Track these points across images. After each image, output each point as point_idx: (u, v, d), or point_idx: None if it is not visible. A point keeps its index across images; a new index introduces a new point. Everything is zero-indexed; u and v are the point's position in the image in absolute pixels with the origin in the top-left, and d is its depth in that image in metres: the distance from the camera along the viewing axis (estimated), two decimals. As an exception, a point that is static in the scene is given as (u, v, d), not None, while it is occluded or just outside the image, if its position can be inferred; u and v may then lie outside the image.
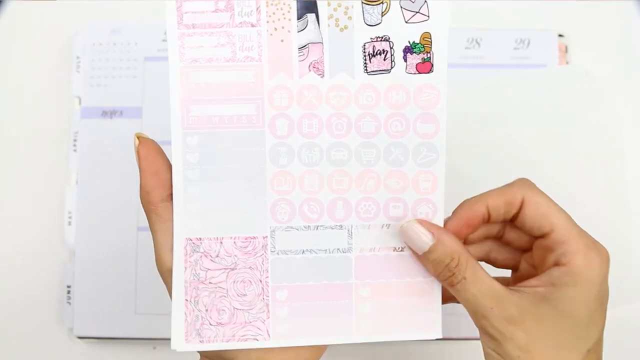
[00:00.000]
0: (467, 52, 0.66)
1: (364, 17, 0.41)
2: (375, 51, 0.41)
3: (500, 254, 0.46)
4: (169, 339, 0.43)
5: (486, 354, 0.41)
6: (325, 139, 0.42)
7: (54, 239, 0.66)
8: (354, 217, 0.42)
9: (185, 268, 0.41)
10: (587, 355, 0.40)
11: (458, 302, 0.42)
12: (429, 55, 0.41)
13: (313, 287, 0.43)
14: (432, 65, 0.41)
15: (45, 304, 0.65)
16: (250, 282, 0.42)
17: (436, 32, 0.41)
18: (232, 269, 0.42)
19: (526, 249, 0.45)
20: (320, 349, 0.44)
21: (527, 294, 0.40)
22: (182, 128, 0.41)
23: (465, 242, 0.45)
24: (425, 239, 0.41)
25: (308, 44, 0.41)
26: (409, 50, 0.41)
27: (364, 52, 0.41)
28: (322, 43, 0.41)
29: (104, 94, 0.66)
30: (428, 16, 0.41)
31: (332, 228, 0.42)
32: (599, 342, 0.41)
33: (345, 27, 0.41)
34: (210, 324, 0.42)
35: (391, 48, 0.41)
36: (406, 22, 0.41)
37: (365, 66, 0.41)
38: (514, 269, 0.46)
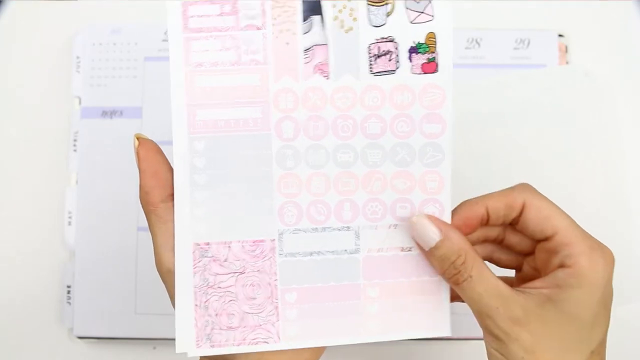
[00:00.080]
0: (467, 52, 0.66)
1: (369, 18, 0.41)
2: (381, 52, 0.41)
3: (503, 255, 0.46)
4: (169, 339, 0.43)
5: (489, 354, 0.41)
6: (331, 140, 0.42)
7: (54, 239, 0.66)
8: (361, 218, 0.43)
9: (194, 273, 0.41)
10: (590, 357, 0.40)
11: (463, 302, 0.42)
12: (434, 55, 0.41)
13: (321, 289, 0.43)
14: (437, 65, 0.41)
15: (45, 304, 0.65)
16: (259, 285, 0.42)
17: (441, 32, 0.41)
18: (241, 273, 0.42)
19: (528, 253, 0.45)
20: (320, 349, 0.44)
21: (532, 295, 0.40)
22: (188, 132, 0.41)
23: None
24: (432, 235, 0.41)
25: (313, 46, 0.41)
26: (414, 50, 0.41)
27: (369, 53, 0.41)
28: (327, 45, 0.41)
29: (104, 94, 0.66)
30: (433, 16, 0.41)
31: (339, 229, 0.43)
32: (602, 344, 0.41)
33: (350, 29, 0.41)
34: (221, 329, 0.42)
35: (396, 49, 0.41)
36: (411, 22, 0.41)
37: (371, 67, 0.41)
38: (517, 269, 0.46)
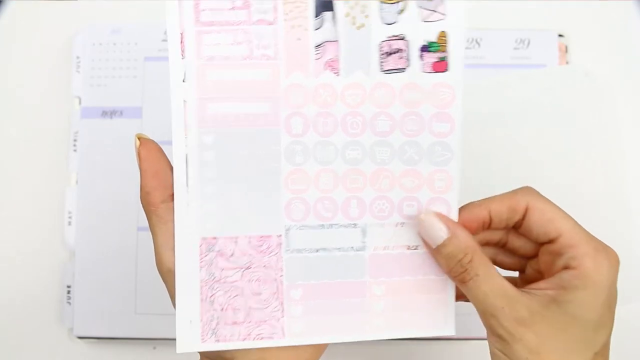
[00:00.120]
0: (467, 52, 0.66)
1: (380, 16, 0.41)
2: (391, 50, 0.41)
3: (506, 258, 0.46)
4: (169, 339, 0.43)
5: (493, 354, 0.41)
6: (340, 137, 0.42)
7: (54, 239, 0.66)
8: (368, 215, 0.43)
9: (201, 267, 0.41)
10: (594, 358, 0.40)
11: (468, 301, 0.42)
12: (445, 54, 0.41)
13: (327, 286, 0.43)
14: (448, 64, 0.41)
15: (45, 304, 0.65)
16: (265, 281, 0.42)
17: (453, 31, 0.41)
18: (247, 268, 0.42)
19: (531, 256, 0.45)
20: (320, 349, 0.44)
21: (537, 296, 0.40)
22: (198, 126, 0.41)
23: None
24: (440, 232, 0.41)
25: (324, 42, 0.41)
26: (425, 49, 0.41)
27: (380, 50, 0.41)
28: (338, 41, 0.41)
29: (104, 94, 0.66)
30: (445, 15, 0.41)
31: (346, 226, 0.43)
32: (606, 346, 0.41)
33: (362, 26, 0.41)
34: (226, 324, 0.42)
35: (407, 47, 0.41)
36: (423, 21, 0.41)
37: (381, 65, 0.41)
38: (521, 271, 0.46)
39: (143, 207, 0.42)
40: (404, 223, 0.43)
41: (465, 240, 0.41)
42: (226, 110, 0.41)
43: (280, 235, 0.42)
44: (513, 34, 0.66)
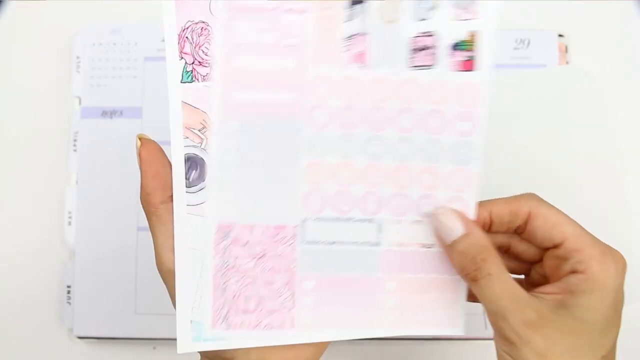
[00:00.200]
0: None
1: (412, 12, 0.41)
2: (421, 46, 0.41)
3: (510, 263, 0.46)
4: (169, 339, 0.43)
5: (500, 357, 0.41)
6: (363, 131, 0.42)
7: (54, 239, 0.66)
8: (385, 211, 0.42)
9: (215, 254, 0.41)
10: None
11: (477, 302, 0.42)
12: (473, 53, 0.41)
13: (340, 279, 0.43)
14: (477, 64, 0.41)
15: (45, 304, 0.65)
16: (279, 270, 0.42)
17: (483, 31, 0.41)
18: (261, 257, 0.42)
19: (535, 261, 0.44)
20: (321, 348, 0.44)
21: (545, 300, 0.40)
22: (221, 112, 0.41)
23: None
24: (456, 228, 0.41)
25: (354, 34, 0.41)
26: (454, 47, 0.41)
27: (410, 46, 0.41)
28: (368, 35, 0.41)
29: (104, 94, 0.66)
30: (477, 14, 0.41)
31: (362, 221, 0.42)
32: (613, 349, 0.41)
33: (393, 20, 0.41)
34: (237, 311, 0.42)
35: (437, 44, 0.41)
36: (454, 19, 0.41)
37: (409, 61, 0.41)
38: (526, 275, 0.46)
39: (143, 207, 0.42)
40: (420, 221, 0.43)
41: (481, 238, 0.41)
42: (250, 97, 0.41)
43: (296, 226, 0.42)
44: (513, 34, 0.66)
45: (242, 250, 0.42)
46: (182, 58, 0.41)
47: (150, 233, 0.42)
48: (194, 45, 0.41)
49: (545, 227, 0.41)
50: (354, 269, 0.43)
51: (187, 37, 0.41)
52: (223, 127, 0.41)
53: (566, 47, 0.67)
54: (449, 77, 0.41)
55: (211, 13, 0.41)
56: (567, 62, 0.66)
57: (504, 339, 0.40)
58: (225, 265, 0.42)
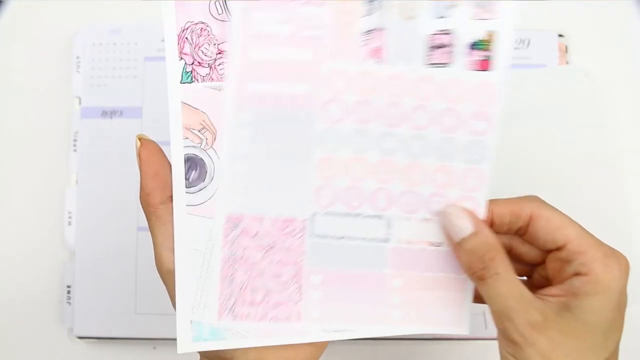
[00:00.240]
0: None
1: (431, 9, 0.40)
2: (438, 44, 0.41)
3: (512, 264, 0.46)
4: (169, 339, 0.43)
5: (503, 358, 0.41)
6: (377, 127, 0.41)
7: (54, 239, 0.66)
8: (395, 208, 0.42)
9: (224, 245, 0.42)
10: None
11: (482, 303, 0.42)
12: (491, 53, 0.41)
13: (347, 274, 0.43)
14: (494, 63, 0.41)
15: (45, 304, 0.65)
16: (286, 263, 0.42)
17: (501, 31, 0.41)
18: (270, 249, 0.42)
19: (537, 263, 0.44)
20: (320, 348, 0.44)
21: (550, 302, 0.40)
22: (236, 102, 0.41)
23: None
24: (465, 226, 0.41)
25: (372, 29, 0.41)
26: (472, 46, 0.41)
27: (427, 43, 0.41)
28: (386, 30, 0.41)
29: (104, 94, 0.66)
30: (495, 14, 0.40)
31: (372, 217, 0.42)
32: (615, 351, 0.41)
33: (411, 17, 0.41)
34: (244, 303, 0.42)
35: (454, 43, 0.41)
36: (473, 18, 0.41)
37: (426, 58, 0.41)
38: (527, 276, 0.46)
39: (142, 208, 0.42)
40: (430, 219, 0.43)
41: (490, 237, 0.41)
42: (265, 89, 0.41)
43: (306, 220, 0.42)
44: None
45: (250, 241, 0.42)
46: (181, 59, 0.41)
47: (150, 233, 0.42)
48: (193, 45, 0.41)
49: (547, 230, 0.41)
50: (361, 264, 0.43)
51: (186, 38, 0.41)
52: (237, 118, 0.41)
53: (566, 47, 0.67)
54: (465, 76, 0.41)
55: (210, 14, 0.41)
56: (567, 62, 0.66)
57: (508, 340, 0.40)
58: (234, 256, 0.42)
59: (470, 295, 0.43)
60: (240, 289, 0.42)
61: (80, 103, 0.67)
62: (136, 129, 0.65)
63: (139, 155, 0.41)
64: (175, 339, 0.41)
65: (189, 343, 0.42)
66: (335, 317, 0.43)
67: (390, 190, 0.42)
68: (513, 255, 0.45)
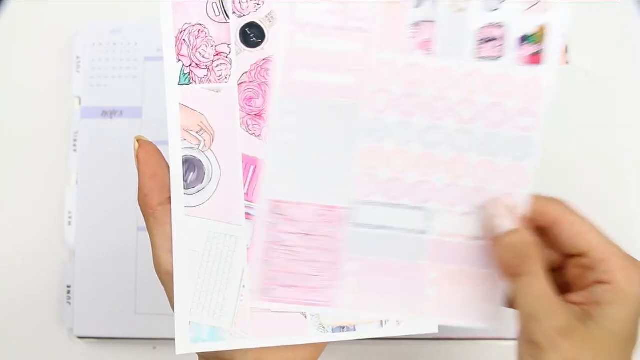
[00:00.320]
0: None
1: (482, 2, 0.40)
2: (488, 37, 0.40)
3: None
4: (169, 339, 0.43)
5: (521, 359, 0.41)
6: (422, 119, 0.41)
7: (54, 239, 0.66)
8: (435, 201, 0.42)
9: (265, 228, 0.42)
10: None
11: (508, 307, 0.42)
12: (541, 47, 0.41)
13: (384, 263, 0.43)
14: (544, 58, 0.41)
15: (45, 304, 0.65)
16: (324, 249, 0.42)
17: (554, 26, 0.40)
18: (308, 235, 0.42)
19: (556, 268, 0.44)
20: (319, 349, 0.44)
21: (574, 308, 0.40)
22: (282, 90, 0.41)
23: None
24: (505, 222, 0.41)
25: (421, 21, 0.41)
26: (522, 40, 0.40)
27: (477, 37, 0.41)
28: (435, 22, 0.41)
29: (104, 94, 0.66)
30: (548, 8, 0.40)
31: (412, 208, 0.42)
32: (631, 359, 0.41)
33: (462, 10, 0.40)
34: (279, 285, 0.42)
35: (505, 36, 0.40)
36: (525, 11, 0.40)
37: (475, 51, 0.41)
38: None
39: (141, 209, 0.42)
40: (470, 213, 0.42)
41: (528, 236, 0.40)
42: (312, 78, 0.41)
43: (346, 208, 0.42)
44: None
45: (290, 226, 0.42)
46: (179, 60, 0.41)
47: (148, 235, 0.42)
48: (191, 47, 0.41)
49: (570, 234, 0.41)
50: (398, 255, 0.43)
51: (184, 40, 0.41)
52: (281, 105, 0.41)
53: (566, 47, 0.67)
54: (514, 71, 0.41)
55: (207, 16, 0.41)
56: (567, 62, 0.66)
57: (531, 342, 0.39)
58: (273, 240, 0.42)
59: (501, 291, 0.43)
60: (277, 271, 0.42)
61: (80, 103, 0.67)
62: (136, 129, 0.65)
63: (137, 156, 0.41)
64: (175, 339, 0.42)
65: (187, 344, 0.42)
66: (369, 305, 0.43)
67: (432, 183, 0.42)
68: None
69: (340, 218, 0.42)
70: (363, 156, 0.42)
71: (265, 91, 0.42)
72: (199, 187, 0.42)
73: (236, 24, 0.41)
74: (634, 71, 0.68)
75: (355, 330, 0.43)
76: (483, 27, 0.41)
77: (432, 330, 0.43)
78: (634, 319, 0.39)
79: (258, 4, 0.41)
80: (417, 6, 0.40)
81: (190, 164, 0.42)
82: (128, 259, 0.64)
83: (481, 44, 0.41)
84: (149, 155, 0.41)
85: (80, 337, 0.64)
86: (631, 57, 0.68)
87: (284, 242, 0.42)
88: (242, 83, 0.42)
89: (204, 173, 0.42)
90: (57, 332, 0.65)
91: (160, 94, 0.64)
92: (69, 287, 0.64)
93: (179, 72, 0.41)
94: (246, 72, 0.42)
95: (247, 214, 0.42)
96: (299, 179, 0.42)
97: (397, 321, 0.43)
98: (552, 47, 0.41)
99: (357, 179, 0.42)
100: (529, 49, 0.41)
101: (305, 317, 0.43)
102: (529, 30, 0.40)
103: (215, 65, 0.41)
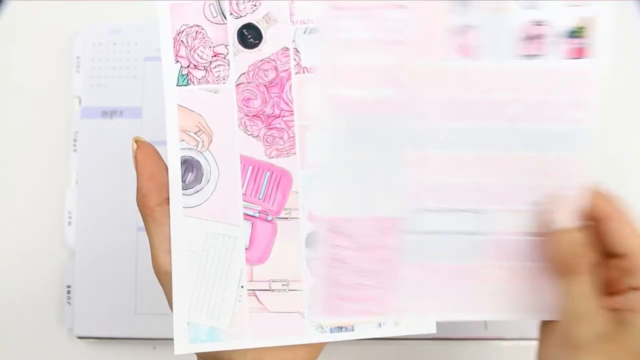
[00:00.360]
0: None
1: (522, 0, 0.40)
2: (531, 35, 0.40)
3: None
4: (170, 339, 0.43)
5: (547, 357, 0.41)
6: (469, 123, 0.41)
7: (54, 239, 0.66)
8: (490, 201, 0.42)
9: (323, 244, 0.42)
10: None
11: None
12: (587, 40, 0.40)
13: (440, 267, 0.43)
14: (590, 51, 0.40)
15: (45, 304, 0.65)
16: (381, 260, 0.42)
17: (599, 17, 0.40)
18: (365, 247, 0.42)
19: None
20: (317, 349, 0.44)
21: (610, 313, 0.39)
22: (329, 109, 0.41)
23: None
24: (561, 219, 0.40)
25: (461, 25, 0.40)
26: (567, 35, 0.40)
27: (519, 35, 0.40)
28: (475, 25, 0.40)
29: (104, 94, 0.66)
30: (590, 1, 0.40)
31: (466, 211, 0.42)
32: None
33: (502, 9, 0.40)
34: (342, 299, 0.42)
35: (548, 32, 0.40)
36: (567, 5, 0.40)
37: (519, 50, 0.41)
38: None
39: (139, 210, 0.42)
40: (525, 210, 0.42)
41: (582, 234, 0.40)
42: (355, 94, 0.41)
43: (400, 218, 0.42)
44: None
45: (346, 241, 0.42)
46: (177, 61, 0.41)
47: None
48: (189, 48, 0.41)
49: (616, 234, 0.40)
50: (454, 257, 0.43)
51: (182, 41, 0.41)
52: (328, 124, 0.41)
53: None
54: (559, 66, 0.41)
55: (205, 17, 0.41)
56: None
57: (567, 343, 0.39)
58: (331, 257, 0.42)
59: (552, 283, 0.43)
60: (338, 287, 0.42)
61: (80, 103, 0.66)
62: (136, 129, 0.65)
63: (135, 157, 0.41)
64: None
65: (186, 344, 0.42)
66: (429, 309, 0.43)
67: (486, 184, 0.42)
68: None
69: (394, 228, 0.42)
70: (413, 165, 0.42)
71: (263, 92, 0.42)
72: (197, 187, 0.42)
73: (233, 25, 0.41)
74: (634, 71, 0.67)
75: (353, 330, 0.43)
76: (523, 25, 0.40)
77: (431, 330, 0.43)
78: None
79: (255, 5, 0.41)
80: (454, 10, 0.40)
81: (189, 165, 0.42)
82: (128, 259, 0.64)
83: (524, 42, 0.40)
84: (147, 156, 0.41)
85: (80, 337, 0.64)
86: (631, 57, 0.68)
87: (342, 258, 0.42)
88: (240, 84, 0.42)
89: (202, 174, 0.42)
90: (57, 332, 0.65)
91: (160, 94, 0.64)
92: (69, 287, 0.64)
93: (177, 73, 0.41)
94: (244, 73, 0.42)
95: (245, 214, 0.42)
96: (352, 194, 0.42)
97: (395, 321, 0.43)
98: (599, 39, 0.40)
99: (409, 188, 0.42)
100: (574, 42, 0.40)
101: (304, 317, 0.43)
102: (572, 24, 0.40)
103: (213, 66, 0.41)
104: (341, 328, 0.43)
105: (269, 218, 0.43)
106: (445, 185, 0.42)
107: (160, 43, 0.41)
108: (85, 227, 0.65)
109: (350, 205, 0.42)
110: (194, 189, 0.42)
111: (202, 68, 0.41)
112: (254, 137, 0.42)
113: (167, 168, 0.42)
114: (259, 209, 0.43)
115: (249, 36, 0.42)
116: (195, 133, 0.42)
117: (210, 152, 0.42)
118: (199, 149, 0.42)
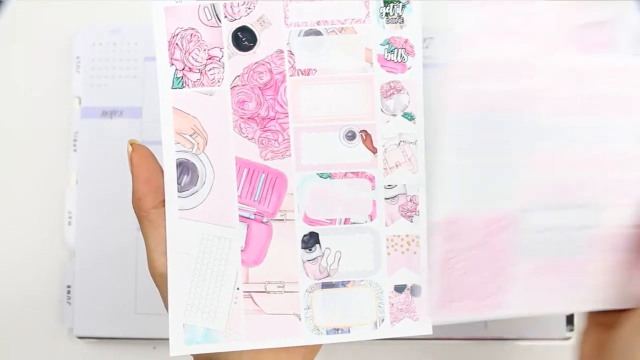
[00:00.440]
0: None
1: None
2: None
3: None
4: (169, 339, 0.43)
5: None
6: (584, 120, 0.41)
7: (54, 239, 0.66)
8: (601, 196, 0.42)
9: (441, 244, 0.42)
10: None
11: None
12: None
13: (550, 263, 0.43)
14: None
15: (45, 304, 0.66)
16: (494, 258, 0.42)
17: None
18: (479, 245, 0.42)
19: None
20: (313, 351, 0.44)
21: None
22: (456, 106, 0.41)
23: None
24: None
25: (592, 22, 0.41)
26: None
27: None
28: (607, 22, 0.41)
29: (104, 94, 0.66)
30: None
31: (578, 207, 0.42)
32: None
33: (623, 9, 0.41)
34: (457, 298, 0.42)
35: None
36: None
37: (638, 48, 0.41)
38: None
39: (135, 212, 0.42)
40: (631, 204, 0.42)
41: None
42: (480, 89, 0.41)
43: (513, 215, 0.42)
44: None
45: (461, 240, 0.42)
46: (172, 64, 0.41)
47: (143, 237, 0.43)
48: (183, 51, 0.41)
49: None
50: (564, 252, 0.43)
51: (177, 44, 0.41)
52: (456, 122, 0.41)
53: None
54: None
55: (200, 20, 0.41)
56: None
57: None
58: (446, 256, 0.42)
59: None
60: (454, 285, 0.42)
61: (80, 103, 0.67)
62: (136, 129, 0.65)
63: (130, 160, 0.42)
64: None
65: (181, 346, 0.42)
66: (537, 303, 0.43)
67: (596, 179, 0.42)
68: None
69: (508, 226, 0.42)
70: (527, 162, 0.42)
71: (257, 94, 0.42)
72: (193, 190, 0.42)
73: (228, 27, 0.42)
74: (634, 71, 0.67)
75: (349, 332, 0.43)
76: None
77: (427, 332, 0.43)
78: None
79: (249, 8, 0.41)
80: (590, 9, 0.40)
81: (184, 167, 0.42)
82: (128, 259, 0.64)
83: None
84: (142, 159, 0.42)
85: (80, 337, 0.64)
86: (631, 57, 0.68)
87: (457, 257, 0.42)
88: (234, 86, 0.42)
89: (198, 176, 0.42)
90: (57, 332, 0.65)
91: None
92: (69, 287, 0.64)
93: (172, 76, 0.41)
94: (239, 76, 0.42)
95: (240, 216, 0.42)
96: (471, 192, 0.42)
97: (391, 322, 0.43)
98: None
99: (523, 185, 0.42)
100: None
101: (300, 318, 0.43)
102: None
103: (208, 68, 0.41)
104: (337, 330, 0.43)
105: (265, 220, 0.43)
106: (558, 182, 0.42)
107: (155, 46, 0.41)
108: (85, 227, 0.65)
109: (466, 204, 0.42)
110: (190, 191, 0.42)
111: (197, 71, 0.41)
112: (249, 139, 0.42)
113: (162, 170, 0.42)
114: (255, 210, 0.43)
115: (244, 39, 0.42)
116: (190, 135, 0.42)
117: (205, 154, 0.42)
118: (194, 151, 0.42)
